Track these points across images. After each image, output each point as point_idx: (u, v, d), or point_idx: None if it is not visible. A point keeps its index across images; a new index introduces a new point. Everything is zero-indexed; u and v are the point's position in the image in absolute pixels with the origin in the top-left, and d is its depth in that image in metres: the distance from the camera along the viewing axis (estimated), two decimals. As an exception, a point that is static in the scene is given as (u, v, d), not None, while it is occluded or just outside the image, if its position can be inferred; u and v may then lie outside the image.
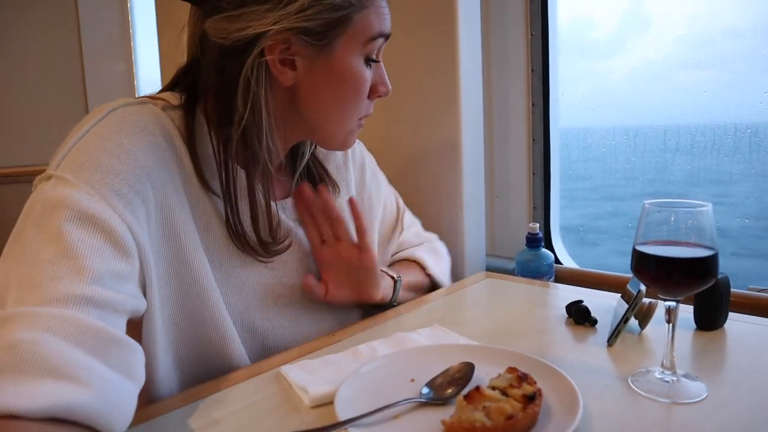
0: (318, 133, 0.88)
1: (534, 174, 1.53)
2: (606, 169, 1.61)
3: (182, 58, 0.85)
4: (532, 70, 1.48)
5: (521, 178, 1.55)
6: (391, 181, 1.48)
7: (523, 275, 1.31)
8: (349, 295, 0.98)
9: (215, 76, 0.78)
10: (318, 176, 0.99)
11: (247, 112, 0.77)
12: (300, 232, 0.95)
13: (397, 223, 1.19)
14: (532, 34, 1.48)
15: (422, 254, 1.18)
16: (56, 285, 0.59)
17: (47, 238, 0.62)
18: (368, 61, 0.83)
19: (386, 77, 0.88)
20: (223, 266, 0.84)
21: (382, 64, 0.87)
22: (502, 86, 1.53)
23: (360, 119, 0.89)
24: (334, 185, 1.01)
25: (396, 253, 1.20)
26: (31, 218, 0.64)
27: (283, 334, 0.92)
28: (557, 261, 1.49)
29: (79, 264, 0.61)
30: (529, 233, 1.32)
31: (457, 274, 1.35)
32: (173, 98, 0.82)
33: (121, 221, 0.67)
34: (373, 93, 0.87)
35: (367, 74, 0.83)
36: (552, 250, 1.52)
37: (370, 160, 1.14)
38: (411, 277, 1.12)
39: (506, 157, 1.56)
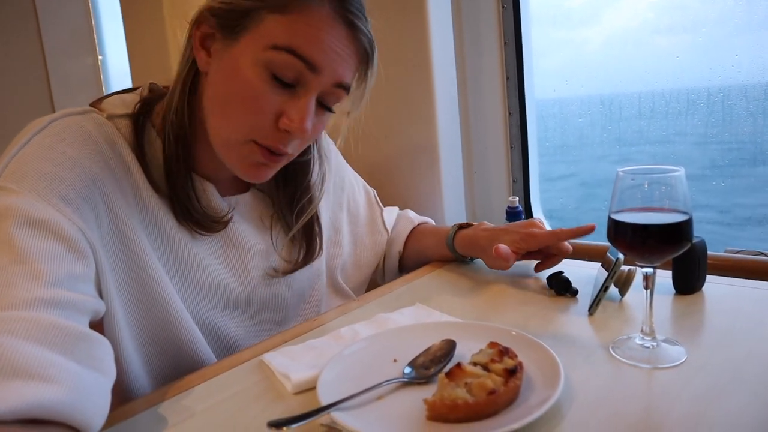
0: (214, 140, 0.80)
1: (512, 147, 1.53)
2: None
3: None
4: (505, 43, 1.47)
5: (499, 152, 1.54)
6: (369, 161, 1.47)
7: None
8: None
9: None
10: (292, 179, 0.96)
11: (173, 84, 0.78)
12: (254, 233, 0.93)
13: (375, 205, 1.19)
14: (503, 7, 1.46)
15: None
16: (12, 290, 0.58)
17: None
18: (275, 78, 0.73)
19: (305, 112, 0.74)
20: (180, 270, 0.83)
21: (310, 100, 0.75)
22: (475, 60, 1.52)
23: (262, 146, 0.77)
24: (311, 198, 0.97)
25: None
26: None
27: (247, 336, 0.91)
28: (538, 233, 1.49)
29: (34, 268, 0.60)
30: (508, 207, 1.32)
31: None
32: (121, 106, 0.80)
33: (72, 225, 0.66)
34: (279, 121, 0.75)
35: (265, 88, 0.73)
36: (533, 222, 1.52)
37: (336, 155, 1.14)
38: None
39: (483, 131, 1.56)
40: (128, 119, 0.79)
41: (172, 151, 0.79)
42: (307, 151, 0.94)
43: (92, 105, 0.81)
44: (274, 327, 0.95)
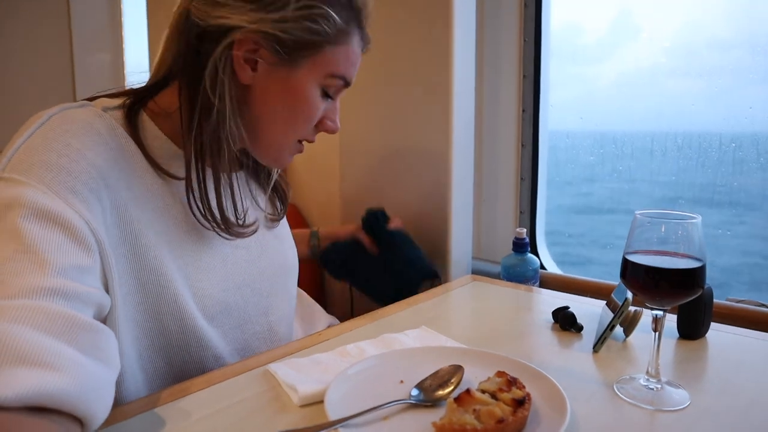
0: (255, 141, 0.86)
1: (522, 179, 1.54)
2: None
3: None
4: (524, 76, 1.50)
5: (509, 183, 1.56)
6: (377, 176, 1.49)
7: (509, 279, 1.32)
8: None
9: (187, 57, 0.79)
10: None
11: (209, 95, 0.79)
12: (260, 215, 0.97)
13: None
14: (525, 40, 1.49)
15: None
16: (19, 279, 0.58)
17: (4, 237, 0.61)
18: (325, 94, 0.86)
19: (337, 117, 0.90)
20: (194, 253, 0.84)
21: (337, 103, 0.90)
22: (493, 92, 1.54)
23: (300, 142, 0.90)
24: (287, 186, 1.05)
25: None
26: None
27: (258, 311, 0.93)
28: (542, 266, 1.50)
29: (40, 258, 0.60)
30: (515, 238, 1.33)
31: (443, 277, 1.35)
32: (110, 101, 0.82)
33: (79, 217, 0.66)
34: (320, 124, 0.89)
35: (319, 103, 0.85)
36: (537, 255, 1.53)
37: None
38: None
39: (495, 161, 1.57)
40: (120, 110, 0.80)
41: (232, 160, 0.83)
42: None
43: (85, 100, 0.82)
44: (280, 302, 0.98)
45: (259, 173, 1.00)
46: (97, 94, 0.84)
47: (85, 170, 0.69)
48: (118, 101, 0.82)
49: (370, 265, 1.30)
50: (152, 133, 0.82)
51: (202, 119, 0.79)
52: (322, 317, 1.21)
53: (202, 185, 0.81)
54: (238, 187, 0.89)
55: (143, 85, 0.86)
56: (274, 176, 1.01)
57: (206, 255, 0.86)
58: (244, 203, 0.91)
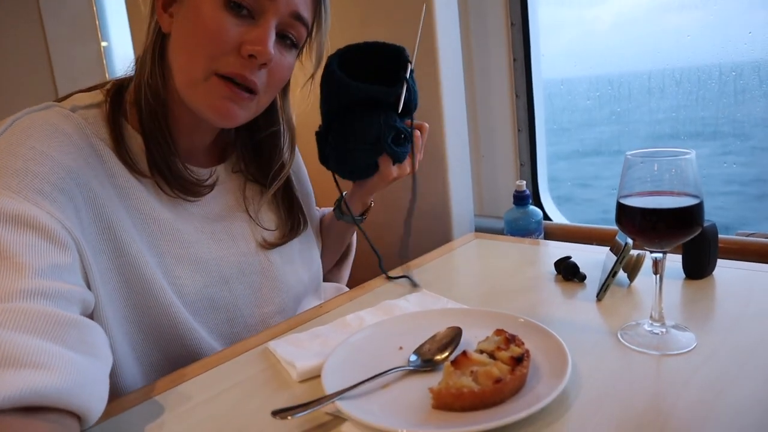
0: (178, 85, 0.80)
1: (519, 131, 1.51)
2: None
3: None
4: (512, 24, 1.45)
5: (506, 136, 1.52)
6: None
7: (512, 234, 1.30)
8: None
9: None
10: (265, 151, 0.97)
11: (143, 54, 0.78)
12: (234, 205, 0.94)
13: None
14: (509, -14, 1.43)
15: None
16: None
17: None
18: (231, 7, 0.75)
19: (265, 36, 0.76)
20: (173, 249, 0.83)
21: (270, 25, 0.77)
22: (481, 43, 1.49)
23: (226, 78, 0.77)
24: (283, 163, 0.98)
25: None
26: None
27: (248, 304, 0.91)
28: (547, 217, 1.48)
29: (16, 262, 0.59)
30: (515, 191, 1.31)
31: (445, 236, 1.34)
32: (84, 98, 0.80)
33: (51, 217, 0.65)
34: (242, 48, 0.76)
35: (222, 16, 0.75)
36: (541, 206, 1.51)
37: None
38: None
39: (490, 115, 1.53)
40: (95, 108, 0.79)
41: (152, 117, 0.80)
42: (274, 120, 0.95)
43: (54, 101, 0.80)
44: (275, 295, 0.95)
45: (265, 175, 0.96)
46: (77, 91, 0.83)
47: (52, 171, 0.68)
48: (92, 98, 0.80)
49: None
50: (125, 129, 0.80)
51: (139, 80, 0.79)
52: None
53: (150, 146, 0.80)
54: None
55: (120, 77, 0.85)
56: (279, 180, 0.97)
57: (185, 251, 0.84)
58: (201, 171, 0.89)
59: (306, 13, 0.82)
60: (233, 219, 0.92)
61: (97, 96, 0.81)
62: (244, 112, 0.82)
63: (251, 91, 0.80)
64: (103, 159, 0.77)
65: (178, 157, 0.84)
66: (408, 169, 1.07)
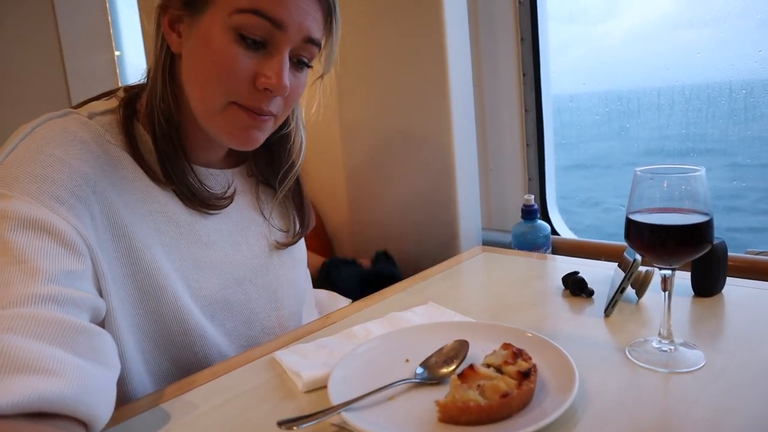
0: (193, 111, 0.80)
1: (528, 145, 1.51)
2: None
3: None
4: (522, 39, 1.45)
5: (515, 150, 1.53)
6: (382, 157, 1.46)
7: (520, 248, 1.30)
8: None
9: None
10: (276, 153, 0.96)
11: (153, 74, 0.78)
12: (249, 208, 0.94)
13: None
14: (520, 2, 1.44)
15: None
16: (10, 289, 0.58)
17: None
18: (243, 39, 0.74)
19: (280, 69, 0.75)
20: (193, 252, 0.84)
21: (283, 58, 0.76)
22: (491, 57, 1.50)
23: (244, 108, 0.77)
24: (293, 162, 0.97)
25: None
26: None
27: (264, 307, 0.92)
28: (554, 232, 1.48)
29: (30, 267, 0.60)
30: (524, 205, 1.31)
31: (453, 250, 1.34)
32: (100, 105, 0.81)
33: (67, 224, 0.66)
34: (257, 81, 0.76)
35: (235, 50, 0.74)
36: (549, 221, 1.51)
37: None
38: None
39: (499, 129, 1.54)
40: (110, 114, 0.80)
41: (166, 140, 0.80)
42: (286, 122, 0.95)
43: (71, 108, 0.81)
44: (290, 297, 0.96)
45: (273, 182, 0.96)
46: (91, 98, 0.83)
47: (70, 178, 0.69)
48: (107, 105, 0.81)
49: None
50: (141, 137, 0.81)
51: (149, 99, 0.79)
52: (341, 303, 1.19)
53: (166, 162, 0.80)
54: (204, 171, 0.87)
55: (133, 84, 0.85)
56: (289, 179, 0.96)
57: (204, 253, 0.85)
58: (215, 178, 0.89)
59: (318, 34, 0.80)
60: (248, 221, 0.93)
61: (112, 103, 0.82)
62: (263, 134, 0.82)
63: (269, 114, 0.80)
64: (122, 165, 0.77)
65: (195, 175, 0.84)
66: None
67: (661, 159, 1.51)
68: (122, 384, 0.76)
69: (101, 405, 0.57)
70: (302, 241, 1.04)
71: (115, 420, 0.64)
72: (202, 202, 0.84)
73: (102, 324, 0.70)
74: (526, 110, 1.49)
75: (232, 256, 0.89)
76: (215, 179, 0.89)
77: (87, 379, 0.56)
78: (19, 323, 0.55)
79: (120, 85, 0.88)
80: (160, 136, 0.80)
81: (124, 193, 0.77)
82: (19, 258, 0.60)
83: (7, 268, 0.59)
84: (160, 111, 0.79)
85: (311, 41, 0.79)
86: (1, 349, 0.52)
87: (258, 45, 0.75)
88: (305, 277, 1.04)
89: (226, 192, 0.88)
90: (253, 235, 0.93)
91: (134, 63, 2.42)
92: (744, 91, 1.30)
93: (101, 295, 0.70)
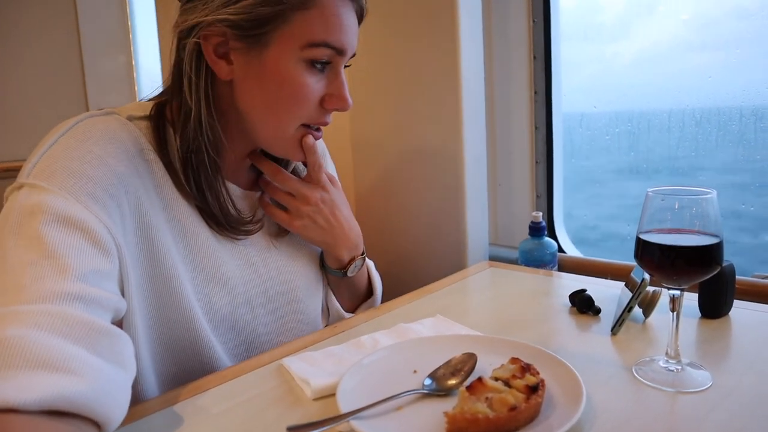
0: (256, 134, 0.84)
1: (537, 162, 1.52)
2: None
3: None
4: (534, 57, 1.47)
5: (524, 167, 1.54)
6: (392, 173, 1.48)
7: (527, 264, 1.31)
8: (319, 236, 0.94)
9: (173, 68, 0.81)
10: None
11: (187, 100, 0.79)
12: (269, 227, 0.94)
13: None
14: (534, 21, 1.46)
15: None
16: (40, 284, 0.59)
17: (27, 243, 0.62)
18: (313, 67, 0.79)
19: (344, 90, 0.82)
20: (207, 265, 0.84)
21: (342, 76, 0.82)
22: (504, 74, 1.52)
23: (310, 127, 0.84)
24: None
25: None
26: (8, 227, 0.64)
27: (268, 331, 0.92)
28: (561, 250, 1.48)
29: (61, 263, 0.61)
30: (531, 222, 1.31)
31: (459, 264, 1.34)
32: (138, 109, 0.82)
33: (99, 222, 0.67)
34: (325, 103, 0.82)
35: (308, 80, 0.79)
36: (555, 238, 1.51)
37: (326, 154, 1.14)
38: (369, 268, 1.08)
39: (509, 145, 1.55)
40: (147, 121, 0.81)
41: (211, 166, 0.81)
42: None
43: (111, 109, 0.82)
44: (297, 326, 0.95)
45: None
46: (126, 105, 0.84)
47: (106, 176, 0.70)
48: (143, 110, 0.82)
49: None
50: (173, 144, 0.81)
51: (185, 126, 0.79)
52: None
53: (200, 190, 0.81)
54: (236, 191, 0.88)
55: (160, 92, 0.86)
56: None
57: (219, 269, 0.85)
58: (246, 200, 0.90)
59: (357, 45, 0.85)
60: (266, 244, 0.93)
61: (149, 107, 0.83)
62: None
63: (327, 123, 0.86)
64: (153, 169, 0.79)
65: (228, 195, 0.85)
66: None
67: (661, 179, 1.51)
68: (134, 384, 0.77)
69: (117, 407, 0.58)
70: (306, 273, 0.99)
71: (124, 421, 0.64)
72: (232, 228, 0.85)
73: (120, 323, 0.71)
74: (536, 127, 1.50)
75: (245, 275, 0.89)
76: (245, 201, 0.90)
77: (106, 381, 0.57)
78: (46, 320, 0.56)
79: (136, 88, 0.89)
80: (205, 162, 0.80)
81: (152, 197, 0.78)
82: (51, 253, 0.61)
83: (39, 261, 0.61)
84: (208, 141, 0.80)
85: (353, 53, 0.84)
86: (28, 344, 0.53)
87: (323, 69, 0.80)
88: (314, 305, 1.00)
89: (254, 216, 0.89)
90: (273, 258, 0.93)
91: (147, 66, 2.45)
92: (754, 117, 1.31)
93: (123, 294, 0.71)
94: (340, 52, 0.80)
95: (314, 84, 0.80)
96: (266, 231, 0.94)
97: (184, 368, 0.83)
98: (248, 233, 0.88)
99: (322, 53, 0.78)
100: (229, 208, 0.85)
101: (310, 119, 0.83)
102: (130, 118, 0.79)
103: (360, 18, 0.84)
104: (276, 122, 0.82)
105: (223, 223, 0.84)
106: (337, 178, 1.08)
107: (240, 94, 0.80)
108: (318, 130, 0.85)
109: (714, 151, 1.40)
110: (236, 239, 0.88)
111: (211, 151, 0.80)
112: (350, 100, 0.83)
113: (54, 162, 0.69)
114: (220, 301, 0.85)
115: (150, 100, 0.85)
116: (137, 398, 0.78)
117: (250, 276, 0.89)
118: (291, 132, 0.83)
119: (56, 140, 0.71)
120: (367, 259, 1.05)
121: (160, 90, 0.86)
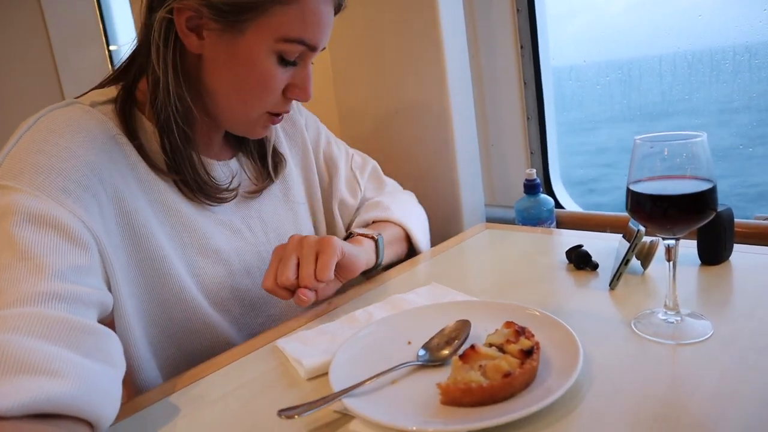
0: (219, 112, 0.83)
1: (528, 119, 1.48)
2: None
3: None
4: (518, 11, 1.42)
5: (516, 124, 1.50)
6: (380, 138, 1.44)
7: (524, 223, 1.29)
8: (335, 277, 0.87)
9: (142, 37, 0.79)
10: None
11: (155, 69, 0.77)
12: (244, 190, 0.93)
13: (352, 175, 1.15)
14: (515, -28, 1.41)
15: (389, 204, 1.10)
16: (16, 287, 0.58)
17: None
18: (283, 60, 0.79)
19: (309, 84, 0.83)
20: (195, 241, 0.84)
21: (309, 69, 0.83)
22: (487, 30, 1.47)
23: (273, 114, 0.84)
24: (280, 159, 0.99)
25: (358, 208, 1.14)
26: None
27: (270, 294, 0.91)
28: (559, 206, 1.46)
29: (36, 263, 0.60)
30: (526, 179, 1.29)
31: (456, 227, 1.32)
32: (100, 95, 0.80)
33: (73, 216, 0.65)
34: (288, 93, 0.83)
35: (276, 71, 0.79)
36: (552, 195, 1.48)
37: (323, 129, 1.13)
38: (387, 233, 1.04)
39: (498, 103, 1.51)
40: (112, 104, 0.79)
41: (180, 135, 0.80)
42: None
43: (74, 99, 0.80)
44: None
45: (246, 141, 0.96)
46: (89, 90, 0.83)
47: (76, 168, 0.69)
48: (108, 94, 0.80)
49: None
50: (141, 125, 0.80)
51: (155, 96, 0.77)
52: None
53: (174, 160, 0.80)
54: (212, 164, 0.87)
55: (118, 74, 0.84)
56: (269, 147, 0.97)
57: (208, 243, 0.85)
58: (221, 169, 0.89)
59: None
60: (247, 209, 0.93)
61: (112, 92, 0.81)
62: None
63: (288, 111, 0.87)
64: (126, 153, 0.77)
65: (203, 167, 0.84)
66: None
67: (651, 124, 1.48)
68: (134, 374, 0.77)
69: (107, 404, 0.57)
70: (312, 227, 1.03)
71: (120, 416, 0.64)
72: (207, 195, 0.85)
73: (111, 313, 0.70)
74: (525, 83, 1.46)
75: (236, 244, 0.89)
76: (220, 170, 0.89)
77: (92, 380, 0.56)
78: (26, 323, 0.55)
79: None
80: (174, 132, 0.79)
81: (129, 181, 0.77)
82: (25, 254, 0.60)
83: (13, 264, 0.59)
84: (176, 111, 0.78)
85: (324, 48, 0.84)
86: (7, 349, 0.52)
87: (292, 63, 0.81)
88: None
89: (230, 184, 0.88)
90: (255, 219, 0.93)
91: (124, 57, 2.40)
92: (748, 54, 1.27)
93: (110, 284, 0.70)
94: (312, 48, 0.80)
95: (281, 75, 0.80)
96: (242, 196, 0.92)
97: (184, 349, 0.83)
98: (222, 201, 0.87)
99: (295, 49, 0.78)
100: (203, 175, 0.84)
101: (274, 107, 0.83)
102: (93, 105, 0.77)
103: (337, 11, 0.83)
104: (241, 106, 0.82)
105: (197, 190, 0.83)
106: (342, 144, 1.14)
107: (208, 70, 0.79)
108: (278, 115, 0.86)
109: (709, 90, 1.37)
110: (211, 206, 0.87)
111: (181, 121, 0.79)
112: (312, 93, 0.84)
113: (20, 160, 0.67)
114: (215, 273, 0.85)
115: (108, 83, 0.83)
116: (138, 389, 0.78)
117: (240, 244, 0.89)
118: (254, 117, 0.83)
119: (20, 137, 0.70)
120: (390, 219, 1.07)
121: (119, 72, 0.84)
